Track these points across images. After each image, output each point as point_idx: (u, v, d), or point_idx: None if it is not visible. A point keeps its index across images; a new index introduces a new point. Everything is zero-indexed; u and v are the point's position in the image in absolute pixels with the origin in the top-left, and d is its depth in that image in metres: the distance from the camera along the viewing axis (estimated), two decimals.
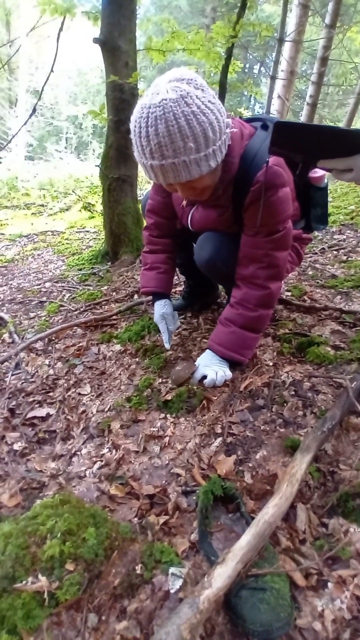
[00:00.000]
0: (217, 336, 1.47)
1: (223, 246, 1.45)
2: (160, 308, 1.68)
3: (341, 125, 6.30)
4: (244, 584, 0.79)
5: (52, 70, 3.13)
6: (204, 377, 1.44)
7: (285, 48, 5.23)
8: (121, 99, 2.80)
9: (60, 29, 2.89)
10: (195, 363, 1.50)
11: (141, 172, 3.25)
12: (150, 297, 1.84)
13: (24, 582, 0.84)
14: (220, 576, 0.76)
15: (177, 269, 2.07)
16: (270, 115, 1.46)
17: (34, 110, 3.46)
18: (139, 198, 3.19)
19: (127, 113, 2.83)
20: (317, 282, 2.30)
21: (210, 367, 1.44)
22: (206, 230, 1.50)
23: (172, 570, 0.87)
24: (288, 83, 4.84)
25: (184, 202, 1.50)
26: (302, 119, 5.22)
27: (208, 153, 1.06)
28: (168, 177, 1.08)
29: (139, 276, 2.74)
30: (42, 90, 3.38)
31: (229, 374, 1.46)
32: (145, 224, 1.75)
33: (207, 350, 1.51)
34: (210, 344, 1.49)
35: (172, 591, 0.84)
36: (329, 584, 0.82)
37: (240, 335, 1.42)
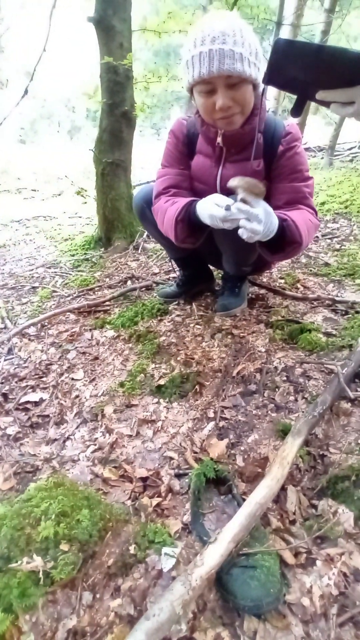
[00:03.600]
0: (277, 212, 1.31)
1: None
2: (206, 199, 1.34)
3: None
4: (235, 562, 0.81)
5: (44, 50, 3.05)
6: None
7: (284, 32, 5.15)
8: (115, 81, 2.74)
9: (53, 6, 2.80)
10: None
11: (135, 157, 3.20)
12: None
13: (19, 562, 0.85)
14: (213, 555, 0.78)
15: (173, 262, 2.07)
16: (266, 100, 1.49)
17: (26, 91, 3.38)
18: (132, 184, 3.16)
19: (121, 96, 2.78)
20: (310, 270, 2.31)
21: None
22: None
23: (165, 550, 0.89)
24: None
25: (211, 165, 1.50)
26: None
27: (256, 63, 1.20)
28: (223, 63, 1.14)
29: (132, 262, 2.73)
30: (34, 70, 3.30)
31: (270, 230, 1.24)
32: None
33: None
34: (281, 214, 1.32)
35: (165, 570, 0.86)
36: (318, 562, 0.84)
37: (304, 218, 1.38)
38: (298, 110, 0.84)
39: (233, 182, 1.20)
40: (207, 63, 1.15)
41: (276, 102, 5.37)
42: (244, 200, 1.20)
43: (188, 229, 1.45)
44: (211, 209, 1.28)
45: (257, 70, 1.21)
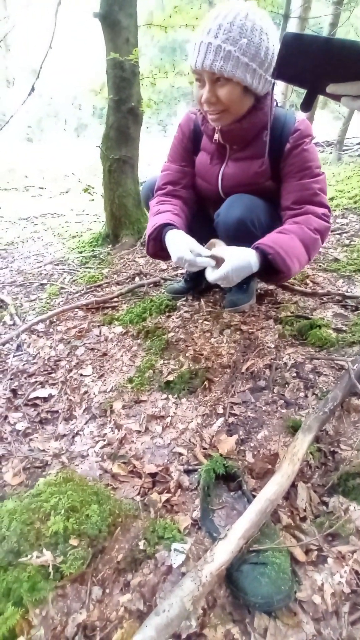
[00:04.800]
0: (268, 237, 1.32)
1: (254, 207, 1.44)
2: (181, 237, 1.36)
3: (346, 109, 6.17)
4: (245, 559, 0.80)
5: (50, 47, 3.05)
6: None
7: (291, 25, 5.09)
8: (122, 77, 2.73)
9: (59, 3, 2.80)
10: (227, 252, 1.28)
11: (141, 154, 3.19)
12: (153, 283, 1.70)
13: (29, 556, 0.85)
14: (223, 551, 0.77)
15: None
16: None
17: (33, 88, 3.38)
18: (140, 181, 3.15)
19: (128, 92, 2.77)
20: (320, 266, 2.28)
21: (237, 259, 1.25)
22: (238, 190, 1.48)
23: (174, 546, 0.88)
24: None
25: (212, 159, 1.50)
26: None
27: (250, 65, 1.14)
28: (207, 59, 1.12)
29: (140, 259, 2.73)
30: (41, 67, 3.30)
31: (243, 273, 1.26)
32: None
33: (246, 248, 1.29)
34: (260, 241, 1.30)
35: (174, 566, 0.86)
36: (329, 560, 0.83)
37: (297, 243, 1.32)
38: (308, 104, 0.83)
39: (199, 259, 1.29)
40: (196, 55, 1.14)
41: (284, 96, 5.31)
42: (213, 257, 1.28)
43: (159, 246, 1.46)
44: (179, 252, 1.31)
45: (252, 72, 1.16)
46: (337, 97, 0.77)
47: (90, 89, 2.93)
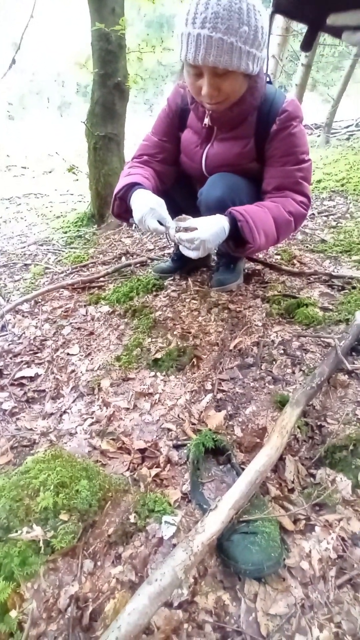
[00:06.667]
0: (242, 207, 1.30)
1: (236, 187, 1.42)
2: (146, 197, 1.33)
3: (336, 91, 6.11)
4: (235, 529, 0.82)
5: (31, 16, 2.92)
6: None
7: None
8: (107, 50, 2.63)
9: None
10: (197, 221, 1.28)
11: (128, 133, 3.11)
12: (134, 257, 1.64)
13: (18, 532, 0.85)
14: (214, 521, 0.78)
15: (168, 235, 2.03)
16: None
17: (14, 61, 3.25)
18: (126, 160, 3.08)
19: (114, 66, 2.67)
20: (307, 247, 2.29)
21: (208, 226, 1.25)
22: (222, 170, 1.45)
23: (165, 518, 0.89)
24: (283, 41, 4.61)
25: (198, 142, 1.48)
26: (296, 80, 5.04)
27: (251, 52, 1.08)
28: (210, 53, 1.05)
29: (126, 239, 2.69)
30: (22, 38, 3.16)
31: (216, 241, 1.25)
32: None
33: (217, 215, 1.29)
34: (231, 208, 1.29)
35: (165, 538, 0.86)
36: (316, 528, 0.85)
37: (268, 218, 1.31)
38: (308, 43, 0.80)
39: (171, 231, 1.30)
40: (194, 49, 1.06)
41: (273, 76, 5.22)
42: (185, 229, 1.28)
43: (124, 206, 1.42)
44: (142, 212, 1.29)
45: (252, 58, 1.11)
46: (337, 32, 0.75)
47: (74, 62, 2.82)
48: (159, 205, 1.30)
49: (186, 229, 1.26)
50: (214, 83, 1.15)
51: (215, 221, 1.25)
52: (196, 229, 1.24)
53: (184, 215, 1.31)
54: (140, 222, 1.30)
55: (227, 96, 1.21)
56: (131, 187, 1.39)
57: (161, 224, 1.30)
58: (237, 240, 1.31)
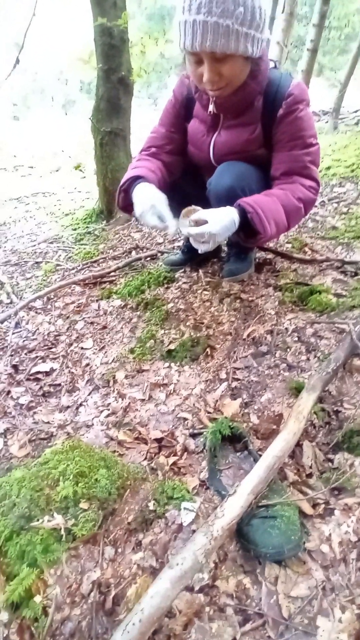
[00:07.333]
0: (251, 198, 1.30)
1: (245, 175, 1.41)
2: (148, 191, 1.34)
3: (343, 75, 6.00)
4: (254, 513, 0.82)
5: (34, 14, 2.92)
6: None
7: None
8: (110, 44, 2.62)
9: None
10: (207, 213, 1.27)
11: (133, 127, 3.10)
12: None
13: (40, 520, 0.86)
14: (233, 506, 0.78)
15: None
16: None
17: (18, 60, 3.25)
18: (132, 154, 3.07)
19: (117, 60, 2.66)
20: (318, 234, 2.26)
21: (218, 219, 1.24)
22: (229, 158, 1.45)
23: (184, 505, 0.90)
24: (287, 26, 4.52)
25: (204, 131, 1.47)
26: (302, 66, 4.95)
27: (249, 33, 1.07)
28: (206, 39, 1.04)
29: (135, 233, 2.69)
30: (25, 37, 3.16)
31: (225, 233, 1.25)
32: None
33: (227, 207, 1.28)
34: (242, 199, 1.28)
35: (185, 524, 0.87)
36: (336, 511, 0.85)
37: (278, 207, 1.30)
38: None
39: (180, 225, 1.29)
40: (191, 36, 1.06)
41: (278, 62, 5.14)
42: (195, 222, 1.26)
43: (128, 199, 1.41)
44: (142, 207, 1.30)
45: (251, 39, 1.09)
46: None
47: (78, 58, 2.82)
48: (160, 201, 1.31)
49: (196, 222, 1.25)
50: (214, 69, 1.14)
51: (225, 214, 1.25)
52: (206, 222, 1.23)
53: (193, 207, 1.30)
54: (141, 217, 1.31)
55: (229, 81, 1.19)
56: (135, 180, 1.39)
57: (162, 220, 1.30)
58: (247, 231, 1.30)
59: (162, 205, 1.30)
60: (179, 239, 2.34)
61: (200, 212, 1.28)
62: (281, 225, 1.32)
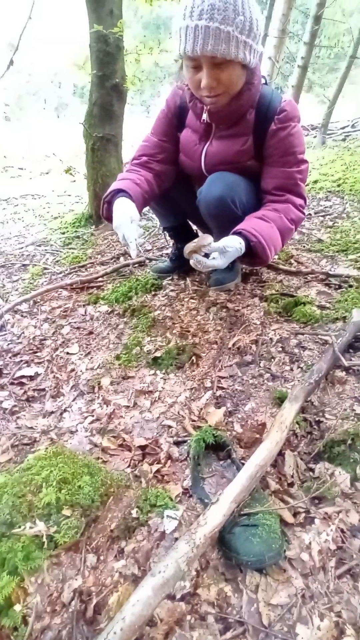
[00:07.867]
0: (250, 224, 1.32)
1: (236, 186, 1.43)
2: (126, 206, 1.38)
3: (332, 92, 6.14)
4: (237, 522, 0.83)
5: (29, 17, 2.93)
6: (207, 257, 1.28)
7: (278, 4, 5.00)
8: (106, 51, 2.64)
9: None
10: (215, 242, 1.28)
11: (125, 134, 3.12)
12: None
13: (22, 527, 0.86)
14: (215, 514, 0.79)
15: (165, 233, 2.04)
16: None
17: (12, 62, 3.25)
18: (124, 161, 3.09)
19: (112, 67, 2.68)
20: (304, 247, 2.30)
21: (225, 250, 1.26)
22: (220, 169, 1.47)
23: (167, 512, 0.90)
24: (279, 43, 4.63)
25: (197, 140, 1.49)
26: (292, 82, 5.05)
27: (248, 42, 1.11)
28: (207, 43, 1.08)
29: None
30: (20, 39, 3.16)
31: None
32: None
33: (233, 235, 1.31)
34: (243, 227, 1.31)
35: (167, 532, 0.87)
36: (316, 520, 0.87)
37: (276, 233, 1.34)
38: None
39: (186, 252, 1.26)
40: (192, 41, 1.09)
41: (269, 77, 5.25)
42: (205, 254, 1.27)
43: (111, 210, 1.44)
44: (118, 222, 1.35)
45: (249, 48, 1.13)
46: None
47: (72, 62, 2.83)
48: (131, 220, 1.34)
49: (206, 255, 1.27)
50: (212, 74, 1.17)
51: (236, 250, 1.26)
52: (216, 253, 1.25)
53: (206, 235, 1.29)
54: (116, 230, 1.36)
55: (226, 88, 1.22)
56: (117, 193, 1.43)
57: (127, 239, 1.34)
58: (247, 256, 1.33)
59: (128, 226, 1.33)
60: (168, 246, 2.35)
61: (212, 246, 1.26)
62: (278, 248, 1.38)
